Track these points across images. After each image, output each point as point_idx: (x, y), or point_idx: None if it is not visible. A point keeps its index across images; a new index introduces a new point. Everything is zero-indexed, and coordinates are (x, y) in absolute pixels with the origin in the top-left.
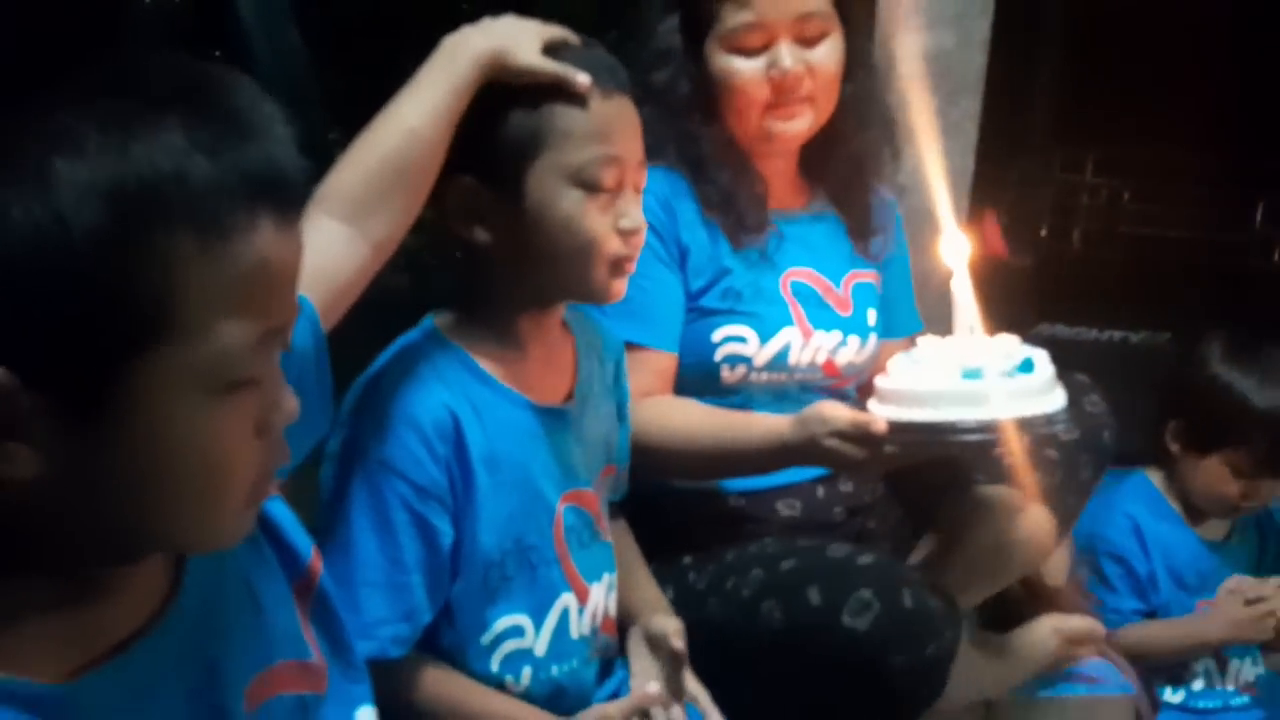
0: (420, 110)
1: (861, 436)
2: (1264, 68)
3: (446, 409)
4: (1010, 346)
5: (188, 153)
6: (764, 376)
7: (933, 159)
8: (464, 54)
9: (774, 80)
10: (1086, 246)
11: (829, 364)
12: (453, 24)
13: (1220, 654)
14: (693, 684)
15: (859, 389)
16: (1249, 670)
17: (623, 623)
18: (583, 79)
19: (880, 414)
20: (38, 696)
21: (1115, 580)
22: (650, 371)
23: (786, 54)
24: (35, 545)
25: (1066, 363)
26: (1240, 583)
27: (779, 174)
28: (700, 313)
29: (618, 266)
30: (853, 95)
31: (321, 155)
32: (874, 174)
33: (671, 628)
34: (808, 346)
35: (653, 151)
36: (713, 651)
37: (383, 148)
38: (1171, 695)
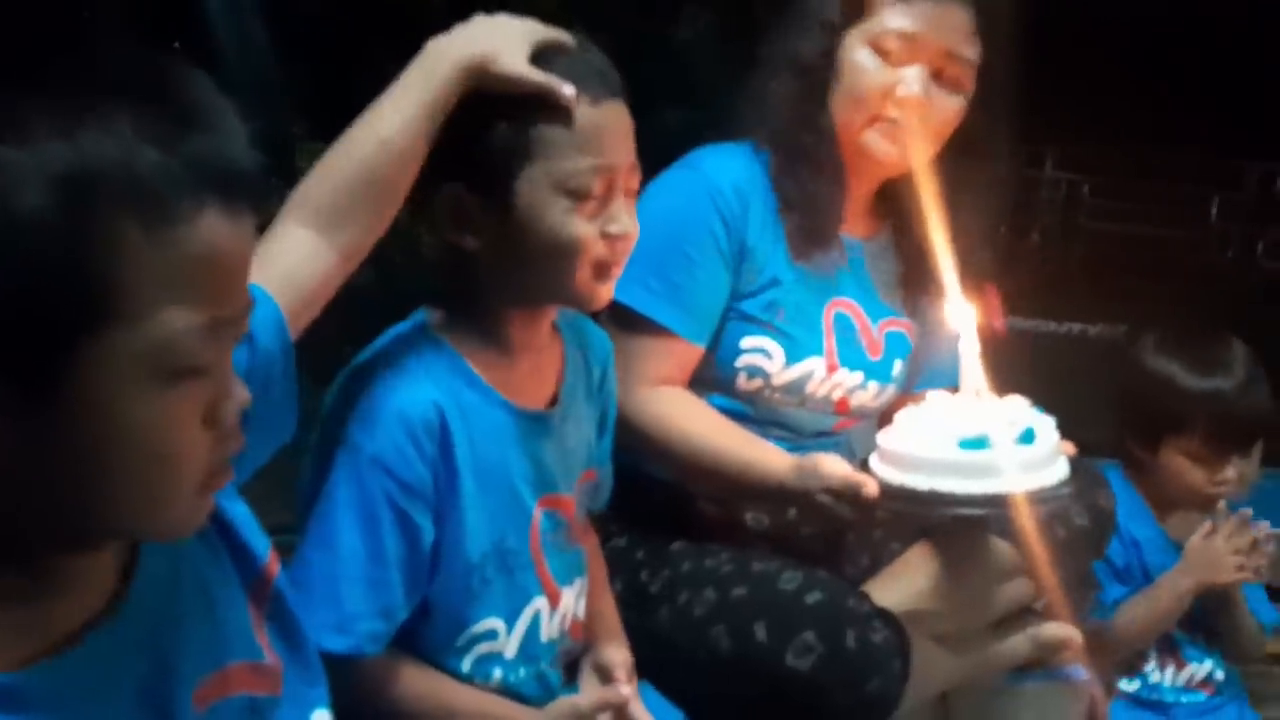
0: (395, 120)
1: (852, 498)
2: (1223, 67)
3: (435, 407)
4: (1016, 412)
5: (135, 142)
6: (777, 396)
7: (938, 232)
8: (445, 61)
9: (896, 97)
10: (1046, 241)
11: (843, 401)
12: (420, 17)
13: (1177, 654)
14: (641, 714)
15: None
16: (1218, 672)
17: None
18: (567, 90)
19: (878, 472)
20: None
21: (1101, 575)
22: (674, 360)
23: (918, 79)
24: None
25: (1025, 355)
26: (1210, 526)
27: (856, 198)
28: (738, 315)
29: (602, 270)
30: (959, 159)
31: (284, 148)
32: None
33: (619, 659)
34: (828, 381)
35: (749, 123)
36: (657, 657)
37: (355, 157)
38: (1127, 685)
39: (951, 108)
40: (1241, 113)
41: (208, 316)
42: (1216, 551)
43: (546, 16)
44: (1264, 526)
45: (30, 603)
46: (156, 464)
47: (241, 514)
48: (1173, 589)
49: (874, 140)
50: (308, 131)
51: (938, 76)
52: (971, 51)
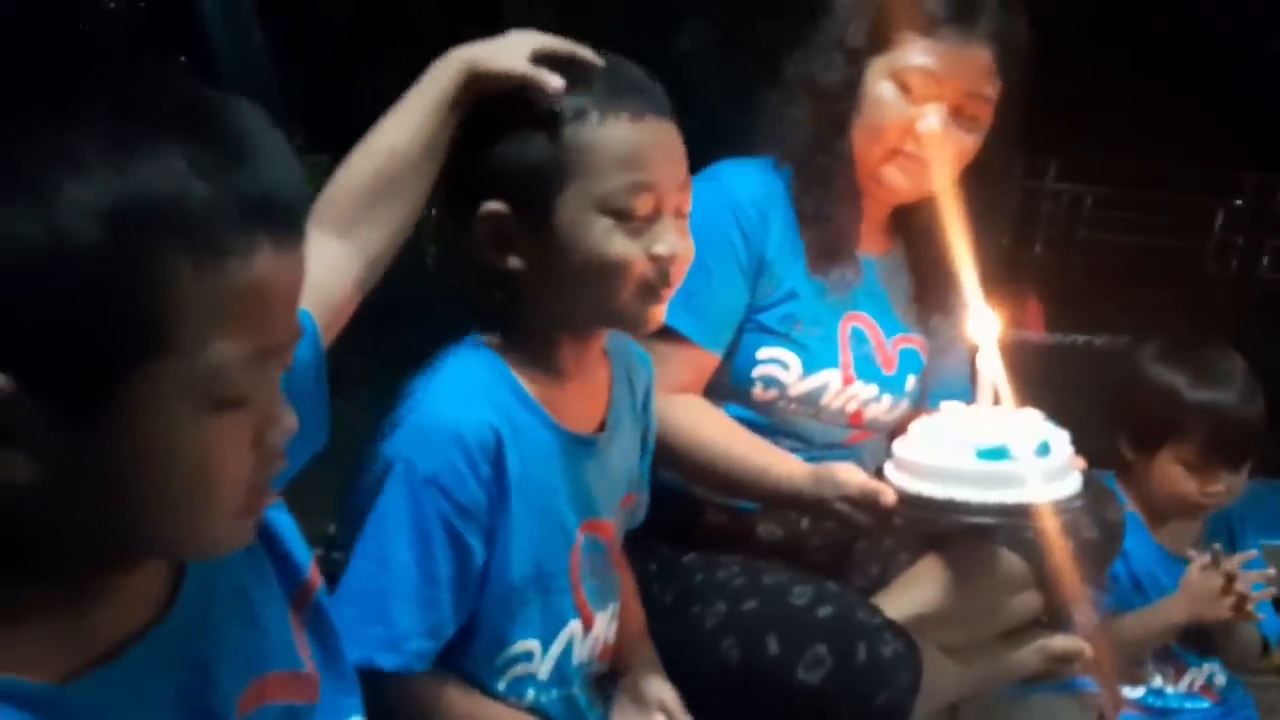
0: (402, 129)
1: (870, 505)
2: (1226, 78)
3: (492, 429)
4: (1031, 425)
5: (186, 176)
6: (793, 407)
7: (953, 249)
8: (445, 69)
9: (916, 133)
10: (1048, 251)
11: (857, 414)
12: (419, 29)
13: (1176, 660)
14: None
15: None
16: (1219, 677)
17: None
18: (555, 83)
19: (895, 481)
20: (33, 696)
21: None
22: (690, 368)
23: (939, 115)
24: (32, 551)
25: (1028, 367)
26: (1209, 559)
27: (872, 218)
28: (755, 326)
29: (651, 292)
30: (970, 179)
31: None
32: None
33: (669, 698)
34: (843, 393)
35: (769, 141)
36: (668, 668)
37: (368, 166)
38: (1132, 692)
39: (969, 143)
40: (1243, 123)
41: (256, 348)
42: (1214, 588)
43: (543, 28)
44: (1268, 573)
45: (76, 615)
46: (199, 489)
47: (286, 525)
48: (1165, 617)
49: (892, 174)
50: (308, 143)
51: (957, 114)
52: (991, 89)
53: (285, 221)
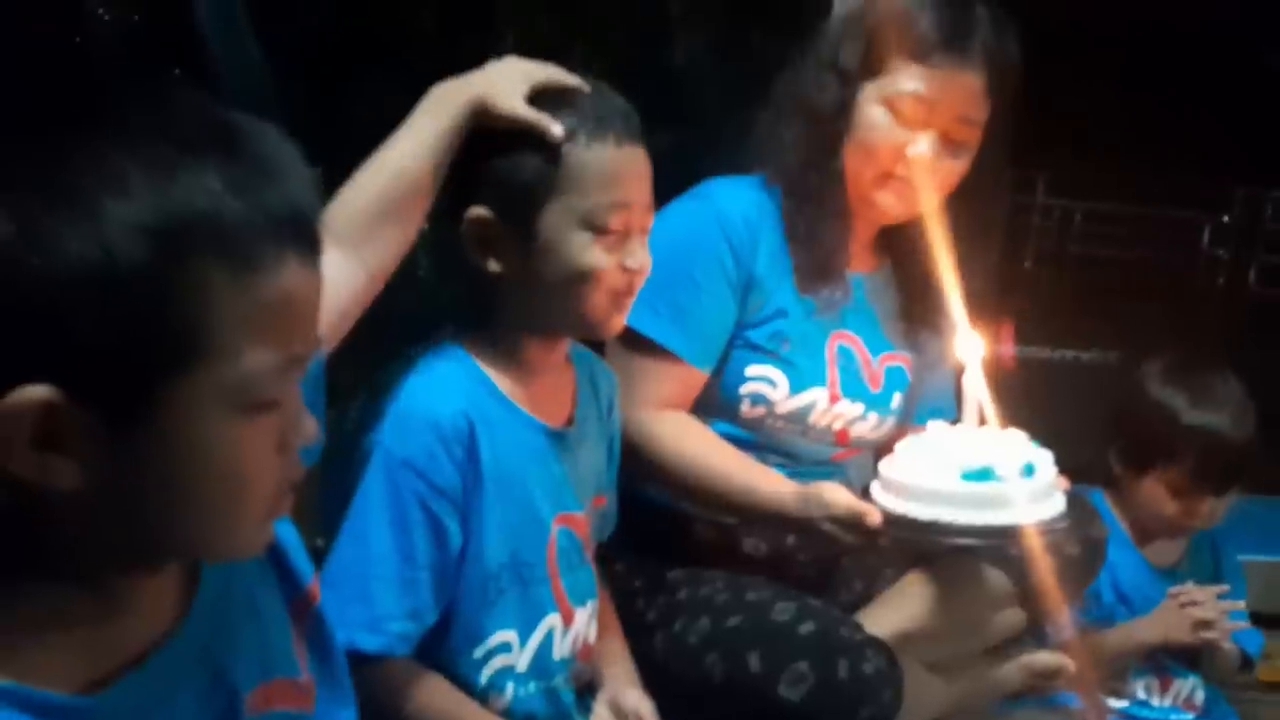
0: (408, 152)
1: (856, 526)
2: (1215, 94)
3: (465, 416)
4: (1016, 446)
5: (222, 194)
6: (780, 424)
7: (940, 268)
8: (451, 100)
9: (907, 158)
10: (1038, 267)
11: (843, 433)
12: (414, 38)
13: (1163, 671)
14: None
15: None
16: (1198, 694)
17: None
18: (556, 130)
19: (881, 501)
20: (59, 707)
21: None
22: (678, 384)
23: (929, 142)
24: (65, 554)
25: (1017, 382)
26: (1184, 589)
27: (860, 235)
28: (744, 343)
29: (617, 299)
30: (959, 199)
31: None
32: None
33: (645, 710)
34: (830, 411)
35: (760, 159)
36: (651, 684)
37: (375, 185)
38: (1116, 703)
39: (958, 168)
40: (1232, 138)
41: (284, 355)
42: (1188, 615)
43: (541, 37)
44: (1239, 604)
45: (100, 621)
46: (232, 488)
47: (290, 537)
48: (1137, 636)
49: (885, 199)
50: (305, 151)
51: (946, 139)
52: (981, 114)
53: (308, 237)
